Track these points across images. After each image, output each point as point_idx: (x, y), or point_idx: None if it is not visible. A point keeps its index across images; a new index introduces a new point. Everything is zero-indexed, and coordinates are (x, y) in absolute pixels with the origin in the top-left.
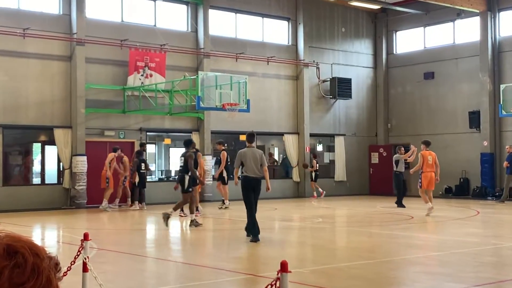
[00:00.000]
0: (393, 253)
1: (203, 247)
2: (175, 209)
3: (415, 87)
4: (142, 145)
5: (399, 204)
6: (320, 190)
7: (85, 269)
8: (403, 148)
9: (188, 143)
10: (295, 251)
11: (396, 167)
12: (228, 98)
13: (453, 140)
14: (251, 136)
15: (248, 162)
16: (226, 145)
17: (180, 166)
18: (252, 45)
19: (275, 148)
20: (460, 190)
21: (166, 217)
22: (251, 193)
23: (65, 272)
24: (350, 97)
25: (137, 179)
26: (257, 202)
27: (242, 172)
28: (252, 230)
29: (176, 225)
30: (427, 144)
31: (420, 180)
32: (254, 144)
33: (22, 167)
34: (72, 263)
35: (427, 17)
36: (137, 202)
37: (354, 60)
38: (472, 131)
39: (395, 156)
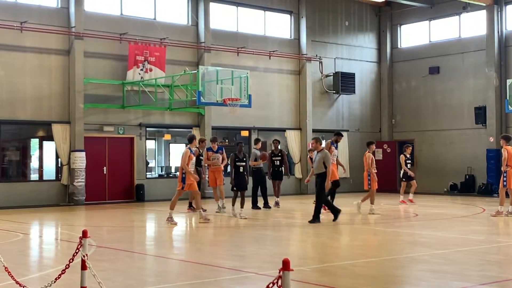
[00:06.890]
0: (398, 251)
1: (204, 244)
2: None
3: (420, 82)
4: (239, 143)
5: None
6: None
7: (83, 266)
8: None
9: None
10: (297, 249)
11: None
12: (229, 93)
13: (458, 136)
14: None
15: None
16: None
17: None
18: (254, 39)
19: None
20: (465, 187)
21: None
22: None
23: (63, 270)
24: (354, 92)
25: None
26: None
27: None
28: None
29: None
30: (507, 139)
31: (505, 178)
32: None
33: (20, 163)
34: (71, 260)
35: (432, 10)
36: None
37: (357, 55)
38: (478, 127)
39: None
